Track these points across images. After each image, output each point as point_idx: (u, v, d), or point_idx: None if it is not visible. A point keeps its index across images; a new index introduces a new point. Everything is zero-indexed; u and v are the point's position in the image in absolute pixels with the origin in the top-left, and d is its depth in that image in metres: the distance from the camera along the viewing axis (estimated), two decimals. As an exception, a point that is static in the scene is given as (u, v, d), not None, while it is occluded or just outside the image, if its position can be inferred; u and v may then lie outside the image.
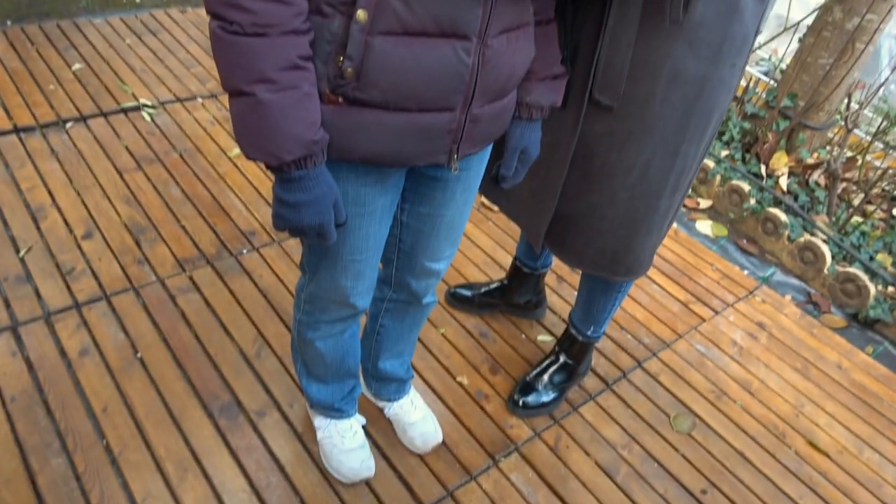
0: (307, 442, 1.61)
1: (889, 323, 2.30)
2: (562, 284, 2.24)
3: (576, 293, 2.14)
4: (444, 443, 1.66)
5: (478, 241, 2.34)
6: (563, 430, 1.78)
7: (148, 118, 2.61)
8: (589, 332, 1.75)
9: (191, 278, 1.98)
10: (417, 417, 1.65)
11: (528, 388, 1.78)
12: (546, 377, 1.79)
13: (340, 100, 0.94)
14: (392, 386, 1.63)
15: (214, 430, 1.60)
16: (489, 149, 1.25)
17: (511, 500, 1.59)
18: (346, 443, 1.55)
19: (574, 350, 1.80)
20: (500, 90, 1.05)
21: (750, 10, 1.18)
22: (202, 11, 3.53)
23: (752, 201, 2.66)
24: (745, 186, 2.67)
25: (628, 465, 1.72)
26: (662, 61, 1.21)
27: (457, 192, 1.22)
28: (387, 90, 0.93)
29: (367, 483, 1.55)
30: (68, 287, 1.87)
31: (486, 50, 0.96)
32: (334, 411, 1.55)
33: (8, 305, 1.79)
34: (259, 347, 1.82)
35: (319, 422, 1.58)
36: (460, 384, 1.84)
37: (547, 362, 1.82)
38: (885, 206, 2.74)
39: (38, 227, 2.05)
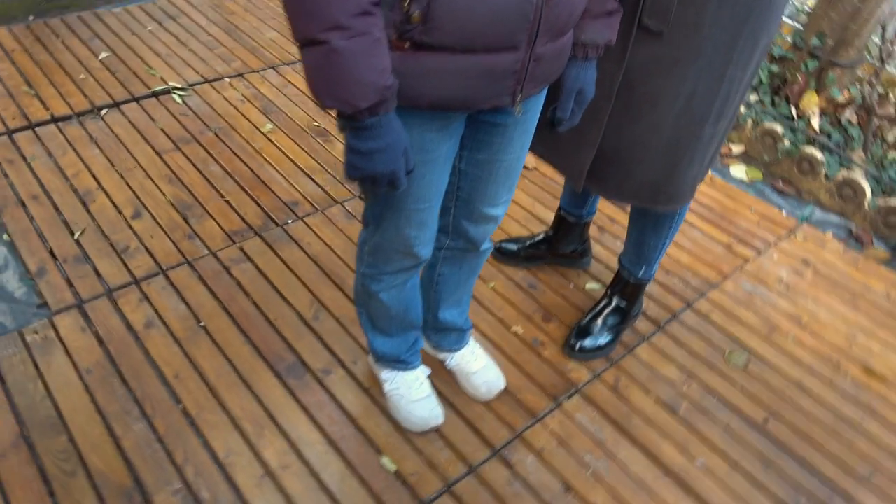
0: (375, 395, 1.65)
1: (934, 252, 2.30)
2: (604, 234, 2.26)
3: (619, 241, 2.17)
4: (506, 389, 1.69)
5: (517, 198, 2.36)
6: (622, 371, 1.80)
7: (179, 100, 2.64)
8: (640, 274, 1.77)
9: (241, 249, 2.02)
10: (479, 366, 1.68)
11: (583, 332, 1.80)
12: (600, 321, 1.82)
13: (407, 45, 0.95)
14: (452, 336, 1.66)
15: (284, 389, 1.64)
16: (545, 92, 1.26)
17: (578, 438, 1.62)
18: (413, 393, 1.59)
19: (626, 292, 1.82)
20: (562, 28, 1.06)
21: None
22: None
23: (787, 142, 2.64)
24: (779, 128, 2.66)
25: (688, 401, 1.75)
26: None
27: (514, 137, 1.23)
28: (453, 32, 0.94)
29: (438, 430, 1.59)
30: (125, 265, 1.92)
31: None
32: (400, 363, 1.59)
33: (71, 285, 1.84)
34: (316, 310, 1.85)
35: (386, 374, 1.61)
36: (515, 333, 1.87)
37: (600, 306, 1.84)
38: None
39: (87, 210, 2.09)
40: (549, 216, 2.25)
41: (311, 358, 1.72)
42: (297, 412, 1.60)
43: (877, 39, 2.78)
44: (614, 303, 1.83)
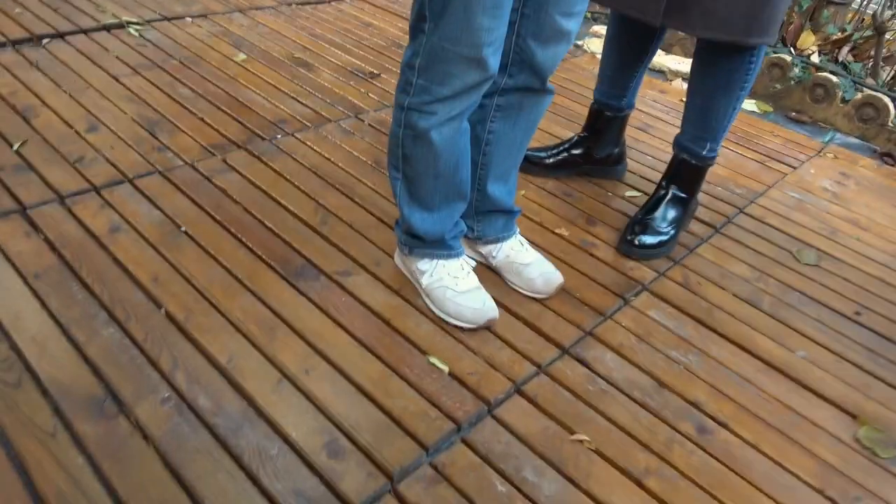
0: (408, 296, 1.33)
1: (971, 161, 2.18)
2: (637, 139, 2.04)
3: (648, 154, 1.92)
4: (563, 288, 1.41)
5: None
6: (688, 269, 1.55)
7: (135, 34, 2.31)
8: (705, 152, 1.54)
9: (224, 161, 1.68)
10: (532, 258, 1.39)
11: (642, 225, 1.55)
12: (658, 213, 1.57)
13: None
14: (500, 221, 1.38)
15: (295, 291, 1.30)
16: None
17: (659, 334, 1.35)
18: (460, 284, 1.28)
19: (686, 178, 1.58)
20: None
21: None
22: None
23: (797, 70, 2.52)
24: (787, 57, 2.54)
25: (770, 296, 1.50)
26: None
27: None
28: None
29: (491, 331, 1.29)
30: (80, 173, 1.55)
31: None
32: (443, 247, 1.29)
33: (10, 192, 1.46)
34: (323, 216, 1.53)
35: (424, 265, 1.30)
36: (560, 236, 1.59)
37: (657, 198, 1.59)
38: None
39: (30, 125, 1.71)
40: (567, 135, 2.02)
41: (323, 261, 1.40)
42: (314, 313, 1.26)
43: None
44: (671, 193, 1.59)
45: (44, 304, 1.19)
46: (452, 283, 1.28)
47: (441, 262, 1.30)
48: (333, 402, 1.09)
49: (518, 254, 1.39)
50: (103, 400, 1.03)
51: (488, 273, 1.42)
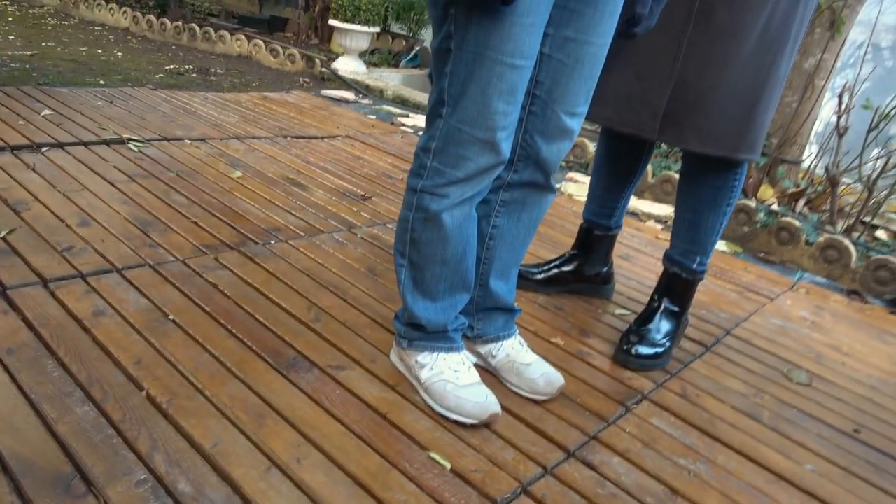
0: (405, 392, 1.27)
1: (933, 300, 2.28)
2: (621, 266, 2.09)
3: (633, 277, 1.96)
4: (563, 393, 1.37)
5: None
6: (685, 381, 1.53)
7: (135, 149, 2.37)
8: (695, 265, 1.58)
9: (216, 259, 1.66)
10: (533, 358, 1.36)
11: (638, 336, 1.55)
12: (653, 325, 1.57)
13: None
14: (500, 319, 1.37)
15: (286, 381, 1.23)
16: None
17: (664, 441, 1.29)
18: (461, 378, 1.23)
19: (677, 291, 1.61)
20: None
21: None
22: (177, 94, 3.46)
23: (762, 215, 2.70)
24: (751, 203, 2.72)
25: (768, 410, 1.47)
26: None
27: (605, 13, 1.12)
28: None
29: (493, 430, 1.22)
30: (67, 261, 1.51)
31: None
32: (445, 340, 1.26)
33: (-9, 273, 1.40)
34: (316, 313, 1.50)
35: (424, 358, 1.26)
36: (556, 345, 1.57)
37: (650, 311, 1.61)
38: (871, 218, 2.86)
39: (19, 216, 1.69)
40: (552, 255, 2.07)
41: (315, 354, 1.34)
42: (307, 403, 1.18)
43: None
44: (664, 306, 1.61)
45: (13, 379, 1.10)
46: (453, 377, 1.23)
47: (442, 354, 1.26)
48: (328, 493, 0.99)
49: (518, 353, 1.36)
50: (70, 478, 0.92)
51: (486, 375, 1.37)
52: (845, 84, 2.61)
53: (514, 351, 1.36)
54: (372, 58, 5.28)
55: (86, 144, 2.32)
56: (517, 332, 1.41)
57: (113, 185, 2.01)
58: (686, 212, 1.57)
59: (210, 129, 2.82)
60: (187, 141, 2.58)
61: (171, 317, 1.37)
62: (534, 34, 1.05)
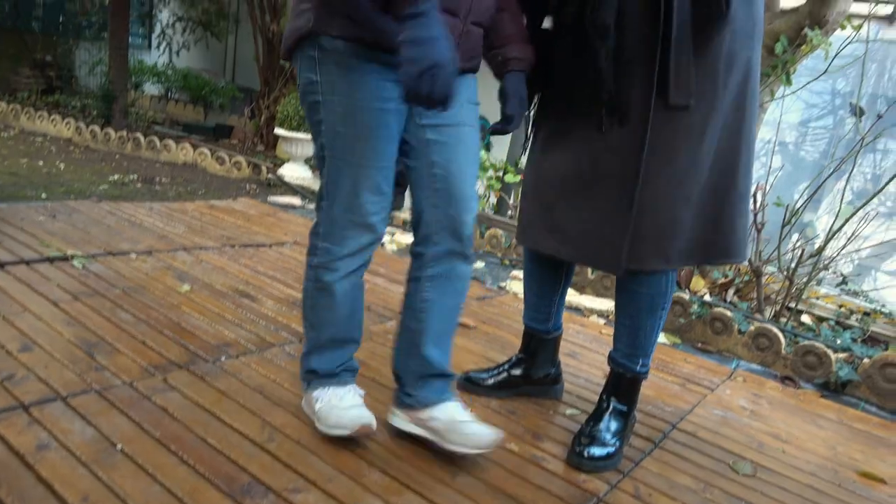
0: (363, 512, 1.26)
1: (858, 382, 2.42)
2: (568, 364, 2.15)
3: (581, 375, 2.03)
4: (520, 500, 1.38)
5: (468, 348, 2.22)
6: (637, 481, 1.56)
7: (79, 266, 2.35)
8: (638, 367, 1.66)
9: (165, 380, 1.64)
10: (472, 417, 1.50)
11: (589, 438, 1.59)
12: (602, 426, 1.62)
13: None
14: (437, 383, 1.50)
15: (241, 509, 1.21)
16: (475, 84, 1.44)
17: (621, 545, 1.31)
18: (344, 401, 1.48)
19: (623, 391, 1.67)
20: (483, 14, 1.33)
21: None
22: (121, 205, 3.46)
23: (696, 306, 2.84)
24: (685, 296, 2.88)
25: (718, 505, 1.52)
26: (718, 52, 1.38)
27: (464, 108, 1.38)
28: None
29: (453, 546, 1.22)
30: (8, 391, 1.46)
31: None
32: (334, 377, 1.51)
33: (-76, 409, 1.34)
34: (270, 433, 1.48)
35: (318, 394, 1.50)
36: (510, 451, 1.59)
37: (599, 412, 1.66)
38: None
39: (-44, 345, 1.64)
40: (503, 357, 2.12)
41: (270, 478, 1.32)
42: (264, 532, 1.16)
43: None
44: (612, 406, 1.66)
45: (-51, 529, 1.04)
46: (338, 401, 1.47)
47: (333, 388, 1.50)
48: None
49: (457, 413, 1.49)
50: None
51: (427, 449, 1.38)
52: (757, 184, 2.86)
53: (453, 411, 1.48)
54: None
55: (27, 263, 2.28)
56: (455, 395, 1.53)
57: (56, 305, 1.98)
58: (626, 318, 1.65)
59: (156, 241, 2.82)
60: (133, 255, 2.58)
61: (119, 446, 1.33)
62: (392, 142, 1.31)
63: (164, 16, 6.97)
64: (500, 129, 1.50)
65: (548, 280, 1.81)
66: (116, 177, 4.44)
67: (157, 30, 7.22)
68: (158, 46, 7.22)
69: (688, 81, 1.37)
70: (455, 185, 1.38)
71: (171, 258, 2.63)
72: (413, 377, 1.48)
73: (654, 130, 1.40)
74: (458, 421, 1.45)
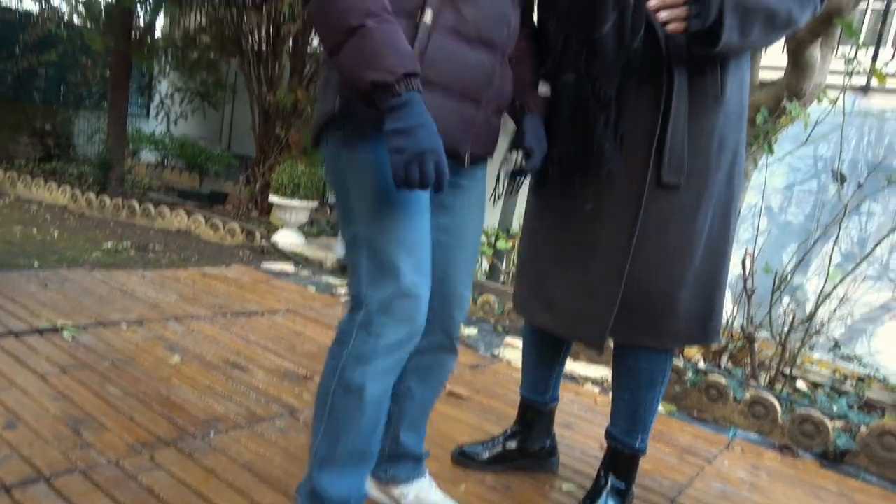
0: None
1: (857, 451, 2.39)
2: (563, 435, 2.11)
3: (577, 446, 1.98)
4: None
5: (462, 420, 2.19)
6: (637, 561, 1.52)
7: (69, 337, 2.33)
8: (637, 443, 1.63)
9: (152, 458, 1.60)
10: (441, 496, 1.48)
11: (587, 516, 1.55)
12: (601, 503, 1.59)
13: None
14: (409, 463, 1.49)
15: None
16: (485, 173, 1.42)
17: None
18: None
19: (621, 468, 1.64)
20: (501, 103, 1.32)
21: (747, 83, 1.50)
22: (114, 273, 3.46)
23: (690, 374, 2.83)
24: (680, 363, 2.86)
25: (721, 587, 1.47)
26: (711, 133, 1.42)
27: (472, 201, 1.39)
28: (441, 71, 1.16)
29: None
30: (-10, 472, 1.42)
31: (502, 62, 1.27)
32: None
33: None
34: (258, 514, 1.44)
35: None
36: (506, 530, 1.55)
37: (597, 489, 1.63)
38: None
39: (-62, 423, 1.61)
40: (498, 430, 2.09)
41: (259, 564, 1.28)
42: None
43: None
44: (610, 483, 1.63)
45: None
46: None
47: None
48: None
49: (428, 493, 1.48)
50: None
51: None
52: (745, 251, 2.91)
53: (423, 490, 1.48)
54: (311, 229, 5.48)
55: (16, 335, 2.26)
56: (427, 472, 1.53)
57: (44, 378, 1.95)
58: (624, 392, 1.64)
59: (148, 310, 2.81)
60: (124, 325, 2.56)
61: (102, 531, 1.29)
62: (427, 218, 1.25)
63: (163, 87, 7.15)
64: (520, 171, 1.44)
65: (547, 350, 1.81)
66: (110, 244, 4.45)
67: (156, 100, 7.40)
68: (157, 116, 7.38)
69: (681, 161, 1.41)
70: (451, 285, 1.36)
71: (163, 328, 2.61)
72: (385, 455, 1.47)
73: (647, 207, 1.42)
74: (428, 501, 1.47)
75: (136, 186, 6.63)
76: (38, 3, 7.01)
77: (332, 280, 4.26)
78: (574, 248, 1.53)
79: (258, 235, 4.97)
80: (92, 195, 5.75)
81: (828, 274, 3.29)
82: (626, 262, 1.44)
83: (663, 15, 1.28)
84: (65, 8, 6.94)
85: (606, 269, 1.46)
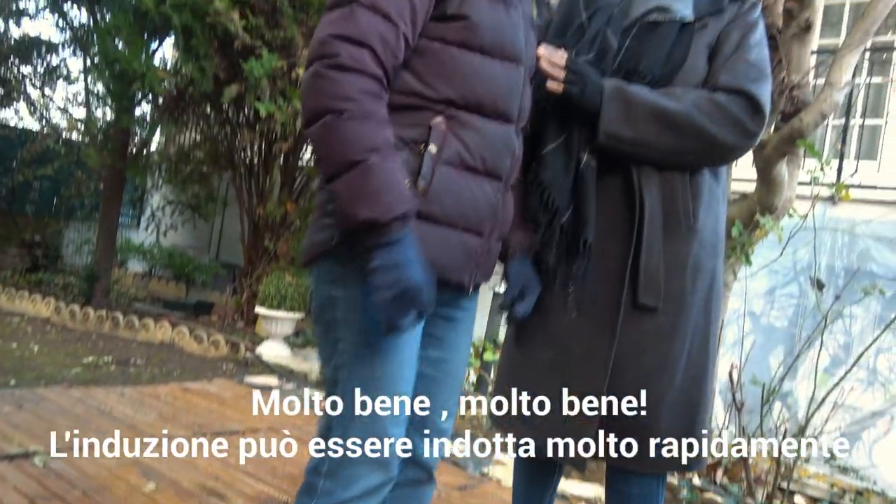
0: None
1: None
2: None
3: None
4: None
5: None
6: None
7: (40, 463, 2.23)
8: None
9: None
10: None
11: None
12: None
13: None
14: None
15: None
16: (477, 297, 1.38)
17: None
18: None
19: None
20: (504, 230, 1.32)
21: (722, 215, 1.55)
22: (92, 391, 3.39)
23: (685, 491, 2.74)
24: (674, 481, 2.78)
25: None
26: (686, 259, 1.46)
27: (463, 334, 1.35)
28: (446, 206, 1.16)
29: None
30: None
31: (505, 193, 1.28)
32: None
33: None
34: None
35: None
36: None
37: None
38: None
39: None
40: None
41: None
42: None
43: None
44: None
45: None
46: None
47: None
48: None
49: None
50: None
51: None
52: (731, 364, 2.91)
53: None
54: (297, 340, 5.43)
55: (-15, 463, 2.18)
56: None
57: (9, 512, 1.86)
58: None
59: (125, 430, 2.72)
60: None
61: None
62: (412, 364, 1.21)
63: (155, 199, 7.31)
64: (510, 315, 1.46)
65: (538, 473, 1.75)
66: (90, 359, 4.37)
67: (147, 212, 7.53)
68: (147, 228, 7.48)
69: (657, 283, 1.43)
70: (432, 420, 1.32)
71: (139, 451, 2.52)
72: None
73: (623, 328, 1.44)
74: None
75: (122, 297, 6.61)
76: (38, 122, 7.29)
77: (317, 394, 4.17)
78: (553, 367, 1.53)
79: (242, 348, 4.91)
80: (76, 307, 5.71)
81: (815, 382, 3.28)
82: (602, 383, 1.44)
83: (545, 66, 1.33)
84: (64, 124, 7.21)
85: (584, 389, 1.45)
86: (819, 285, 4.26)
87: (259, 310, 4.93)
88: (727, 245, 3.24)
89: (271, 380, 4.26)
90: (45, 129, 7.23)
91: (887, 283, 4.74)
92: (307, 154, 5.92)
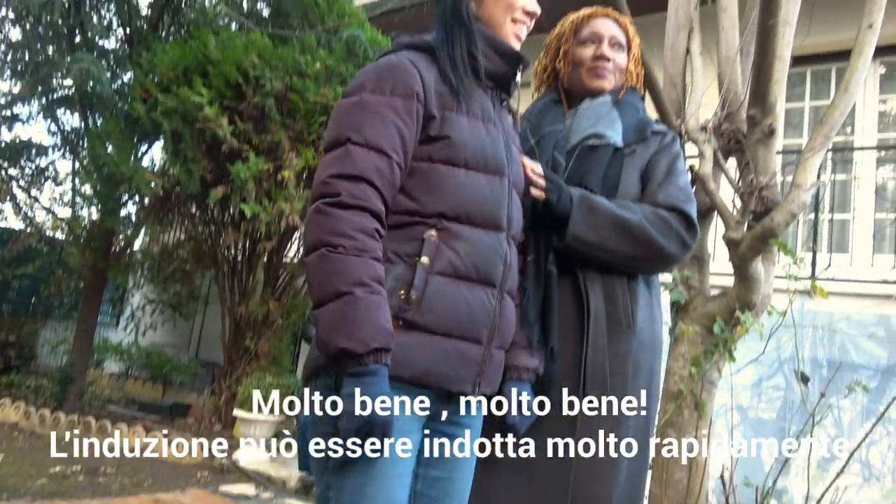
0: None
1: None
2: None
3: None
4: None
5: None
6: None
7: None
8: None
9: None
10: None
11: None
12: None
13: (400, 324, 1.16)
14: None
15: None
16: (480, 418, 1.35)
17: None
18: None
19: None
20: (505, 339, 1.31)
21: (659, 318, 1.60)
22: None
23: None
24: None
25: None
26: (626, 358, 1.52)
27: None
28: (440, 315, 1.18)
29: None
30: None
31: (503, 300, 1.28)
32: None
33: None
34: None
35: None
36: None
37: None
38: None
39: None
40: None
41: None
42: None
43: None
44: None
45: None
46: None
47: None
48: None
49: None
50: None
51: None
52: (722, 465, 2.85)
53: None
54: (278, 442, 5.25)
55: None
56: None
57: None
58: None
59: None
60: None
61: None
62: (403, 482, 1.19)
63: (135, 299, 7.23)
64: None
65: None
66: (58, 468, 4.16)
67: (127, 311, 7.42)
68: (126, 327, 7.35)
69: (602, 381, 1.48)
70: None
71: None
72: None
73: (586, 423, 1.46)
74: None
75: (96, 399, 6.39)
76: (22, 221, 7.30)
77: (296, 503, 3.98)
78: (515, 469, 1.52)
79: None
80: (46, 411, 5.50)
81: (808, 478, 3.21)
82: (570, 472, 1.44)
83: (529, 174, 1.43)
84: (48, 223, 7.22)
85: (558, 477, 1.46)
86: (804, 379, 4.26)
87: (238, 413, 4.79)
88: (710, 342, 3.26)
89: (248, 488, 4.08)
90: (29, 228, 7.22)
91: (870, 374, 4.76)
92: (291, 252, 5.96)
